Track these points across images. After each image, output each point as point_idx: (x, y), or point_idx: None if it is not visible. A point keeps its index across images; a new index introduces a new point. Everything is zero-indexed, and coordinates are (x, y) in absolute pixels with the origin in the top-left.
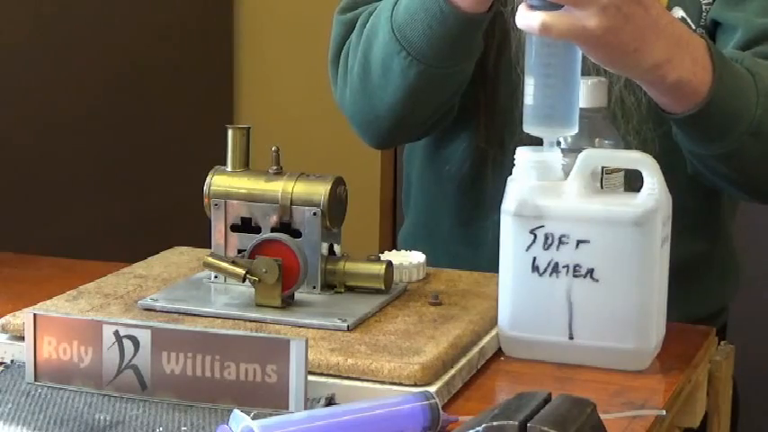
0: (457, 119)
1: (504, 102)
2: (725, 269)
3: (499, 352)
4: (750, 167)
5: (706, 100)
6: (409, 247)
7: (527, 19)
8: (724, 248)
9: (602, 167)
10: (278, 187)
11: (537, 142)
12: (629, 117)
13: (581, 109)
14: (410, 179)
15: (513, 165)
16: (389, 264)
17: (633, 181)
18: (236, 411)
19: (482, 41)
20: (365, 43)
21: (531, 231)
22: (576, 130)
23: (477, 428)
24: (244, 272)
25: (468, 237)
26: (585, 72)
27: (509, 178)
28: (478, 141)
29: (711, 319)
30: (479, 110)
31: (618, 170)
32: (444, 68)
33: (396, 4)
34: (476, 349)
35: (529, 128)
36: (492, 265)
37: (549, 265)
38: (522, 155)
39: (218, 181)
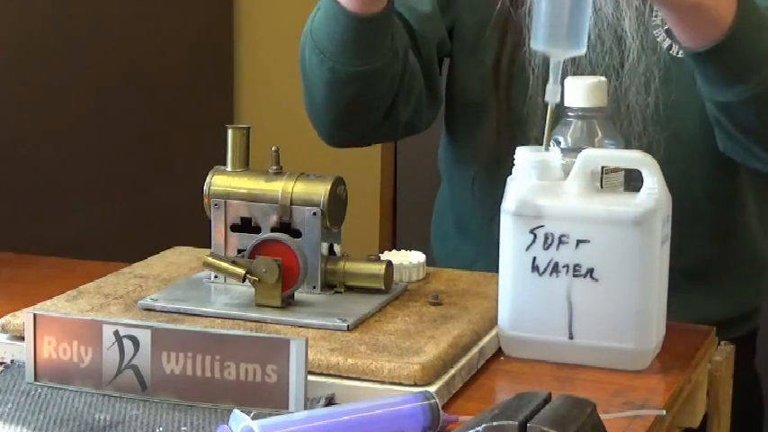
0: (473, 119)
1: (518, 101)
2: (747, 271)
3: (499, 352)
4: None
5: (728, 32)
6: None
7: None
8: (746, 250)
9: (602, 167)
10: (278, 187)
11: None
12: (635, 120)
13: (581, 109)
14: (443, 179)
15: None
16: (389, 264)
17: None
18: (236, 411)
19: (393, 42)
20: (302, 44)
21: (531, 231)
22: (583, 51)
23: (477, 428)
24: (244, 272)
25: (490, 235)
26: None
27: (509, 178)
28: (492, 140)
29: (740, 322)
30: (493, 109)
31: (618, 170)
32: (353, 67)
33: (317, 9)
34: (476, 349)
35: (536, 45)
36: None
37: (548, 264)
38: (522, 155)
39: (218, 181)
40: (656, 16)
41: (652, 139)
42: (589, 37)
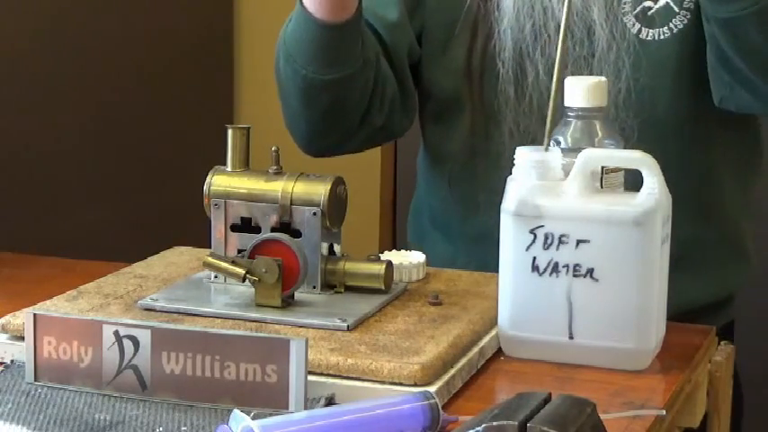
0: (448, 115)
1: (490, 94)
2: (727, 255)
3: (499, 352)
4: None
5: None
6: (421, 244)
7: None
8: (724, 233)
9: (602, 167)
10: (278, 187)
11: (522, 133)
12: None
13: (581, 109)
14: (419, 180)
15: (500, 157)
16: (389, 264)
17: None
18: (236, 411)
19: (363, 49)
20: (276, 54)
21: (531, 231)
22: None
23: (477, 428)
24: (244, 272)
25: (466, 231)
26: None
27: (509, 178)
28: (467, 135)
29: (716, 309)
30: (466, 104)
31: (618, 170)
32: (326, 75)
33: (290, 18)
34: (476, 349)
35: None
36: (491, 259)
37: (548, 264)
38: (522, 155)
39: (218, 181)
40: (625, 3)
41: (625, 125)
42: (560, 28)
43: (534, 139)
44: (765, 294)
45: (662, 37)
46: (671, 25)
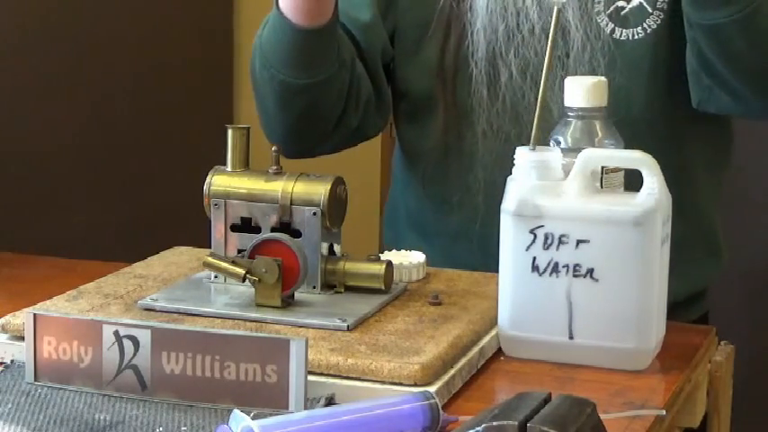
0: (421, 115)
1: (463, 93)
2: (701, 250)
3: (499, 352)
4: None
5: None
6: (397, 241)
7: None
8: (701, 229)
9: (602, 167)
10: (278, 187)
11: (495, 133)
12: None
13: (581, 109)
14: (393, 181)
15: (473, 157)
16: (389, 264)
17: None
18: (236, 411)
19: (340, 52)
20: (252, 57)
21: (531, 231)
22: None
23: (477, 428)
24: (244, 272)
25: (442, 230)
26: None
27: (509, 178)
28: (440, 134)
29: (691, 302)
30: (439, 104)
31: (618, 170)
32: (303, 80)
33: (266, 22)
34: (476, 349)
35: None
36: (468, 258)
37: (548, 264)
38: (522, 155)
39: (218, 181)
40: (598, 3)
41: None
42: (534, 29)
43: (507, 140)
44: (738, 285)
45: (636, 37)
46: (645, 25)
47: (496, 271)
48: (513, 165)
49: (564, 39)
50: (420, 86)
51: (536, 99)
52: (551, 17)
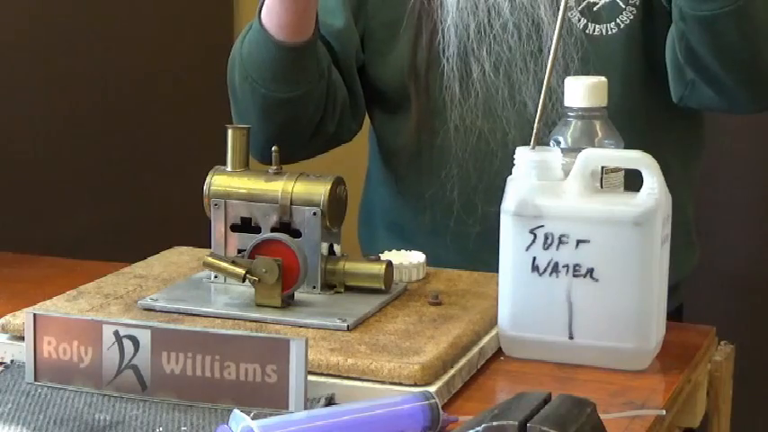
0: (394, 113)
1: (435, 90)
2: (677, 244)
3: (499, 352)
4: (760, 31)
5: None
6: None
7: None
8: (676, 222)
9: (602, 167)
10: (278, 187)
11: (468, 129)
12: (557, 102)
13: (581, 109)
14: (368, 182)
15: (445, 152)
16: (389, 264)
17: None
18: (236, 411)
19: (320, 64)
20: (230, 66)
21: (531, 231)
22: None
23: (477, 428)
24: (244, 272)
25: (417, 227)
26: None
27: (509, 178)
28: (413, 132)
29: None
30: (412, 100)
31: (618, 170)
32: (284, 93)
33: (245, 33)
34: (476, 349)
35: None
36: (444, 254)
37: (548, 264)
38: (522, 155)
39: (218, 181)
40: None
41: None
42: (506, 25)
43: (481, 135)
44: (710, 276)
45: (609, 32)
46: (618, 21)
47: (470, 267)
48: (486, 160)
49: (537, 34)
50: (393, 85)
51: (509, 94)
52: (523, 13)
